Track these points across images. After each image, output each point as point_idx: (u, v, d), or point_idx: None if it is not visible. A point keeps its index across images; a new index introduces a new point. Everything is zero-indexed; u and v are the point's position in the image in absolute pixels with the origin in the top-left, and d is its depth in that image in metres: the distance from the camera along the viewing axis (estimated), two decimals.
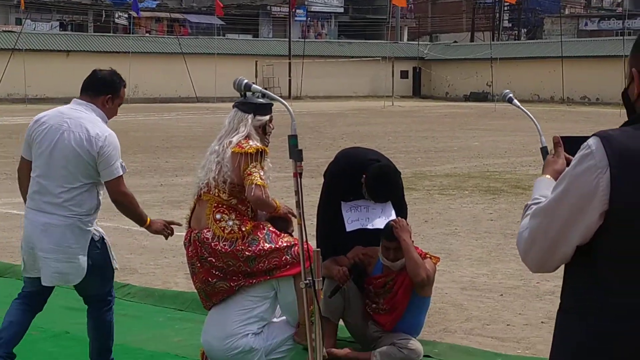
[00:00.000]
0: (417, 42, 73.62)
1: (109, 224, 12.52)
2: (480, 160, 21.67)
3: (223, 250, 5.62)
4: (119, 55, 58.63)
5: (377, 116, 42.86)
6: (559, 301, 2.73)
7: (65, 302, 8.16)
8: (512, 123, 35.50)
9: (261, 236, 5.67)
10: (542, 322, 7.56)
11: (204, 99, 59.25)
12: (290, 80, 63.50)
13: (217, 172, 5.69)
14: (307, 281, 3.82)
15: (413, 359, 6.33)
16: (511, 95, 5.25)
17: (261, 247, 5.61)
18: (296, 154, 3.77)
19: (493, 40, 72.65)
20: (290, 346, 5.86)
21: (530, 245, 2.65)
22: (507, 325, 7.56)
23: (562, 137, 2.88)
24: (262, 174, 5.56)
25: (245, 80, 4.30)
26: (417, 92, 70.87)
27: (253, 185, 5.50)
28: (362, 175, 6.62)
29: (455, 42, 75.96)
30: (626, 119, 2.70)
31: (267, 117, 5.80)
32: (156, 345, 6.94)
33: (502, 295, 8.53)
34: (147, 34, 68.57)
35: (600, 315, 2.54)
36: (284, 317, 6.05)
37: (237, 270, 5.66)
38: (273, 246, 5.64)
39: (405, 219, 6.76)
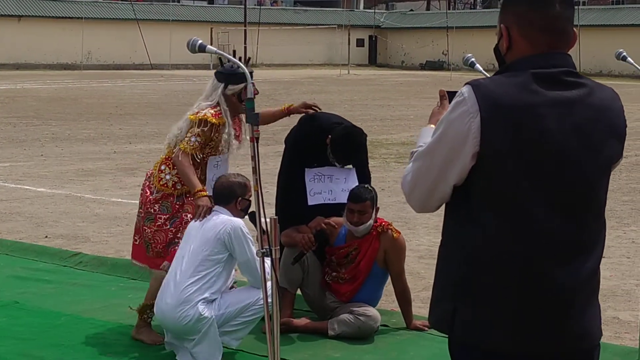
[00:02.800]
0: (373, 10, 73.31)
1: (60, 191, 12.34)
2: None
3: (144, 191, 6.23)
4: (72, 20, 57.85)
5: (333, 84, 42.67)
6: (441, 238, 2.93)
7: (13, 272, 7.99)
8: None
9: (172, 213, 6.11)
10: None
11: (159, 65, 58.65)
12: (245, 48, 63.06)
13: (177, 131, 6.19)
14: (264, 250, 3.69)
15: (370, 325, 6.23)
16: (473, 59, 5.14)
17: (158, 219, 6.10)
18: (253, 117, 3.61)
19: (449, 9, 72.58)
20: (247, 319, 5.74)
21: (413, 187, 2.86)
22: None
23: (447, 92, 3.14)
24: (194, 140, 6.01)
25: (200, 41, 4.13)
26: (372, 61, 70.71)
27: (178, 148, 6.04)
28: (326, 138, 6.51)
29: (411, 10, 75.76)
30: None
31: (241, 86, 6.10)
32: (108, 315, 6.77)
33: None
34: (101, 0, 67.60)
35: (476, 247, 2.77)
36: (240, 288, 5.96)
37: (140, 222, 6.21)
38: (162, 228, 6.09)
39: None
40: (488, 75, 5.05)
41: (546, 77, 2.76)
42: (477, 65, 5.16)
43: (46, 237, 9.45)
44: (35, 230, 9.76)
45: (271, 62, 63.53)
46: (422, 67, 65.67)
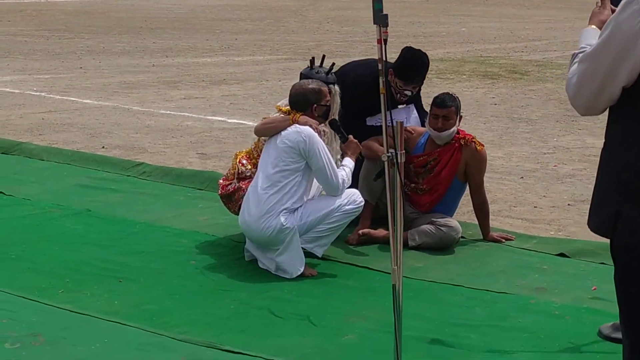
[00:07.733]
0: None
1: (107, 103, 12.31)
2: (471, 46, 21.39)
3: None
4: None
5: (359, 1, 42.20)
6: (603, 140, 2.90)
7: (78, 181, 8.02)
8: (495, 10, 35.09)
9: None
10: (568, 205, 7.48)
11: None
12: None
13: None
14: (389, 154, 3.66)
15: (452, 236, 6.21)
16: None
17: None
18: (381, 18, 3.55)
19: None
20: (331, 226, 5.76)
21: (579, 89, 2.83)
22: (534, 207, 7.46)
23: None
24: None
25: None
26: None
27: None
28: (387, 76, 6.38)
29: None
30: None
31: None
32: (182, 223, 6.78)
33: (522, 177, 8.42)
34: None
35: None
36: (321, 197, 5.95)
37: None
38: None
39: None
40: None
41: None
42: None
43: (103, 147, 9.44)
44: (91, 141, 9.74)
45: None
46: None
